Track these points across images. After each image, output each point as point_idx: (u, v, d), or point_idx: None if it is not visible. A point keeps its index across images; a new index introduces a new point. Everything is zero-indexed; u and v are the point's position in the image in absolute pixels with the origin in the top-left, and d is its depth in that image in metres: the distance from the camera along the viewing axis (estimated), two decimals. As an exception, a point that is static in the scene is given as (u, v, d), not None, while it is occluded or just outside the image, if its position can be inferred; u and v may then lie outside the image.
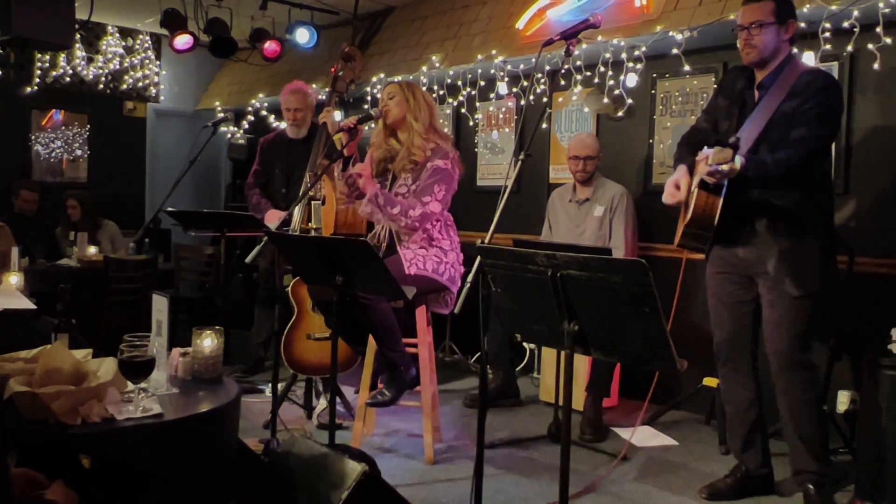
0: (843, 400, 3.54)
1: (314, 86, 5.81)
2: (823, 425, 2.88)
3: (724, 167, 2.53)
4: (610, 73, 4.46)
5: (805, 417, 2.84)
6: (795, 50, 2.97)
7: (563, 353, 1.96)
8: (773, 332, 2.85)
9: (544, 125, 5.05)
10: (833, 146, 3.71)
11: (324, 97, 4.61)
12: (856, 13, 3.39)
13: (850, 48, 3.52)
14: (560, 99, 5.01)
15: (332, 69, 4.19)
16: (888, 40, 3.37)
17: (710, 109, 3.07)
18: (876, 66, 3.44)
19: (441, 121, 5.50)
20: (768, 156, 2.68)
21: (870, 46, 3.43)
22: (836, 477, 2.87)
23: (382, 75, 5.58)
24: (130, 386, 2.02)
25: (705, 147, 2.66)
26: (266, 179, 4.53)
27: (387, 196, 3.19)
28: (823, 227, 2.84)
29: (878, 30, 3.38)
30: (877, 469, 2.91)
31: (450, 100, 5.47)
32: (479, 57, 4.95)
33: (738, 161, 2.61)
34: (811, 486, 2.83)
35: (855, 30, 3.43)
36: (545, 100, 4.75)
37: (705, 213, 2.75)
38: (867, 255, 3.55)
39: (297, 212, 3.74)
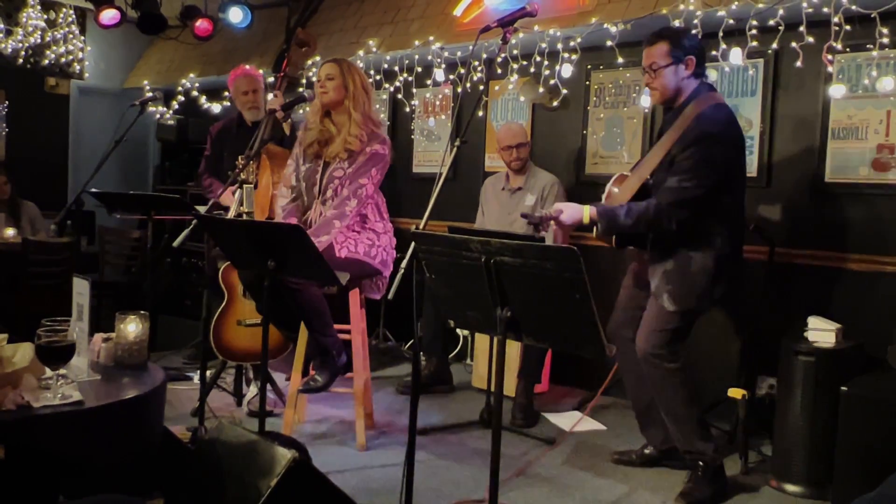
0: (762, 385, 3.69)
1: (247, 66, 5.69)
2: (693, 406, 2.94)
3: (546, 238, 2.81)
4: (546, 63, 4.50)
5: (673, 404, 2.94)
6: (709, 79, 3.03)
7: (495, 339, 1.97)
8: (641, 328, 2.98)
9: (480, 113, 5.06)
10: (758, 145, 3.87)
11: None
12: (781, 12, 3.50)
13: (774, 45, 3.64)
14: (496, 87, 5.04)
15: (286, 55, 4.09)
16: (811, 39, 3.49)
17: None
18: (798, 63, 3.56)
19: (377, 106, 5.48)
20: (623, 207, 2.81)
21: (793, 45, 3.55)
22: (709, 458, 2.93)
23: (318, 58, 5.49)
24: (49, 372, 1.95)
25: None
26: (217, 165, 4.43)
27: (319, 228, 3.14)
28: (711, 255, 2.86)
29: (802, 29, 3.50)
30: (791, 451, 3.05)
31: (386, 85, 5.42)
32: (417, 43, 4.93)
33: (587, 213, 2.81)
34: (701, 463, 2.94)
35: (780, 28, 3.54)
36: (482, 88, 4.76)
37: (603, 241, 3.01)
38: (786, 246, 3.69)
39: (235, 195, 3.67)
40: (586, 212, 2.81)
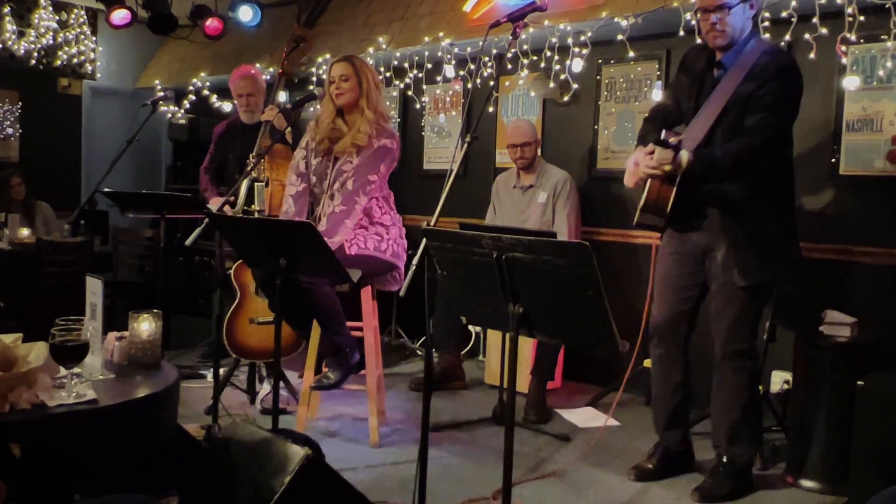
0: (777, 380, 3.66)
1: (258, 65, 5.69)
2: (752, 410, 2.92)
3: (667, 168, 2.58)
4: (556, 57, 4.48)
5: (734, 403, 2.89)
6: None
7: (507, 335, 1.97)
8: (716, 321, 2.89)
9: (491, 109, 5.05)
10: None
11: (267, 77, 4.53)
12: (793, 3, 3.47)
13: (787, 37, 3.60)
14: (507, 83, 5.02)
15: (283, 52, 4.11)
16: (824, 30, 3.46)
17: (674, 87, 3.05)
18: (812, 55, 3.52)
19: (388, 103, 5.48)
20: (718, 149, 2.67)
21: (806, 36, 3.52)
22: (746, 460, 2.94)
23: (328, 56, 5.49)
24: (63, 371, 1.95)
25: (651, 143, 2.69)
26: (220, 165, 4.44)
27: (331, 226, 3.14)
28: (779, 216, 2.81)
29: (815, 20, 3.46)
30: (807, 447, 3.02)
31: (396, 82, 5.42)
32: (426, 39, 4.92)
33: (686, 157, 2.64)
34: (724, 460, 2.92)
35: (793, 19, 3.51)
36: (492, 83, 4.74)
37: (658, 200, 2.77)
38: (802, 240, 3.63)
39: (242, 194, 3.68)
40: (684, 156, 2.66)
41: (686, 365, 3.04)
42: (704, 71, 2.88)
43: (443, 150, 5.47)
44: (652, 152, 2.65)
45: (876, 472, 2.67)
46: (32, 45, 6.84)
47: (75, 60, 7.15)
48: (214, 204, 4.10)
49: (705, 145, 2.74)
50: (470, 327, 4.85)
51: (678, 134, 2.84)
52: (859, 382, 2.77)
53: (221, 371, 3.57)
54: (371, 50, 5.22)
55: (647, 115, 3.12)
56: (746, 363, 2.88)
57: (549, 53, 4.48)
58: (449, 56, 4.96)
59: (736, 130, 2.71)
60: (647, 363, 3.87)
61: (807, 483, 3.00)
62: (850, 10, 3.35)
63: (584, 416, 3.84)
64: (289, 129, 3.78)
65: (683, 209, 2.78)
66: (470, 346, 5.00)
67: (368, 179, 3.21)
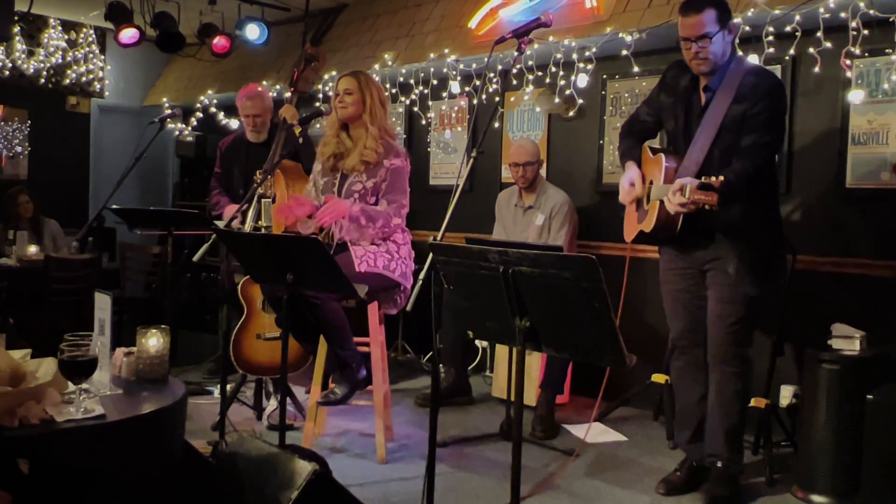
0: (786, 394, 3.64)
1: (265, 83, 5.74)
2: (744, 416, 2.95)
3: (707, 207, 2.54)
4: (561, 73, 4.50)
5: (732, 408, 2.91)
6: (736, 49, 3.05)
7: (514, 349, 1.97)
8: (717, 326, 2.90)
9: (496, 124, 5.07)
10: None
11: (274, 94, 4.55)
12: (798, 18, 3.49)
13: (792, 52, 3.62)
14: (512, 98, 5.04)
15: (295, 70, 4.13)
16: (828, 44, 3.47)
17: (653, 104, 3.08)
18: (816, 69, 3.53)
19: (393, 119, 5.51)
20: (730, 172, 2.68)
21: (811, 50, 3.53)
22: (742, 468, 2.98)
23: (334, 73, 5.53)
24: (71, 387, 1.96)
25: (677, 179, 2.69)
26: (226, 181, 4.46)
27: (369, 211, 3.18)
28: (773, 225, 2.92)
29: (819, 34, 3.47)
30: (816, 461, 3.00)
31: (402, 98, 5.45)
32: (432, 56, 4.95)
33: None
34: (718, 466, 2.92)
35: (797, 34, 3.52)
36: (497, 99, 4.77)
37: (668, 223, 2.81)
38: (809, 254, 3.65)
39: (250, 211, 3.70)
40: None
41: (707, 377, 3.03)
42: (689, 91, 2.92)
43: (448, 166, 5.49)
44: (680, 189, 2.60)
45: (887, 485, 2.65)
46: (42, 64, 6.92)
47: (84, 79, 7.22)
48: (229, 212, 4.11)
49: (704, 166, 2.79)
50: (477, 342, 4.84)
51: (675, 155, 2.88)
52: (868, 396, 2.75)
53: (228, 387, 3.57)
54: (377, 66, 5.25)
55: (623, 127, 3.18)
56: (745, 367, 2.91)
57: (554, 69, 4.50)
58: (454, 72, 4.99)
59: (732, 150, 2.77)
60: (655, 378, 3.87)
61: (817, 498, 2.98)
62: (853, 24, 3.37)
63: (591, 431, 3.82)
64: (299, 128, 3.79)
65: (687, 227, 2.81)
66: (477, 360, 4.99)
67: (402, 203, 3.30)
